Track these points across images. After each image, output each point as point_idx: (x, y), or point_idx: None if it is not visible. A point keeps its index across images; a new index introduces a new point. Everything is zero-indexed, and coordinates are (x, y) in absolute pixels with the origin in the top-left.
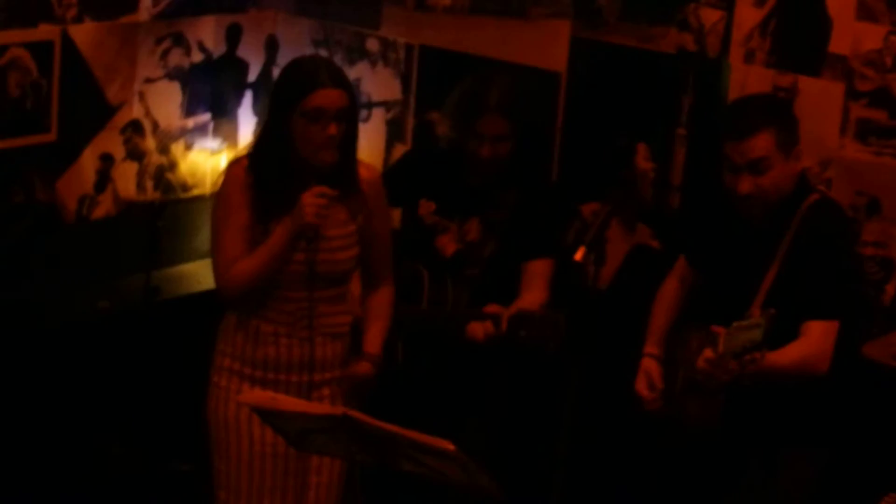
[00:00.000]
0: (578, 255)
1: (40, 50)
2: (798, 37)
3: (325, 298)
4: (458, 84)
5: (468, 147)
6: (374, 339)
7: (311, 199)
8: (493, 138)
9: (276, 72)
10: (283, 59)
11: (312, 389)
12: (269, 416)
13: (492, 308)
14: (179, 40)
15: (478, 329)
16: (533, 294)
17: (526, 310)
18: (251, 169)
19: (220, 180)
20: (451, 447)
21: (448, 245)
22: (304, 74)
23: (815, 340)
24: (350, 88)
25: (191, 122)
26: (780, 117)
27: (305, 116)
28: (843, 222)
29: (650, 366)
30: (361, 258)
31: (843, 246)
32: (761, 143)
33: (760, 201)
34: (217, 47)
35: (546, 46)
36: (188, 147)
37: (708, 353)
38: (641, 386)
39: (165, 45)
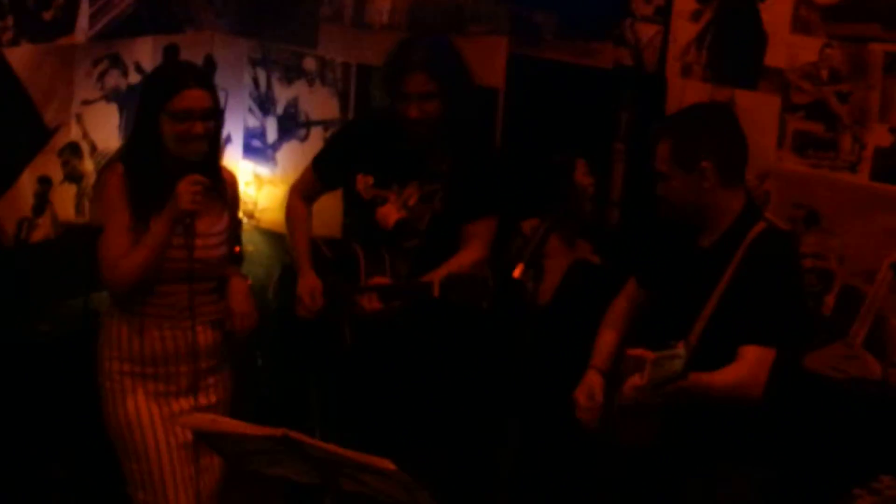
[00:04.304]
0: (517, 272)
1: None
2: (734, 50)
3: (202, 291)
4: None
5: (398, 110)
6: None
7: (187, 187)
8: (420, 97)
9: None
10: (222, 79)
11: (199, 378)
12: (209, 438)
13: (376, 280)
14: (116, 62)
15: (364, 302)
16: (467, 254)
17: (455, 273)
18: (126, 172)
19: (98, 186)
20: (391, 466)
21: (389, 215)
22: (169, 77)
23: (748, 365)
24: (214, 89)
25: None
26: (678, 130)
27: (173, 117)
28: (789, 252)
29: (593, 378)
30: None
31: (785, 275)
32: (658, 154)
33: (668, 207)
34: None
35: (484, 63)
36: None
37: (635, 379)
38: (581, 394)
39: (102, 66)
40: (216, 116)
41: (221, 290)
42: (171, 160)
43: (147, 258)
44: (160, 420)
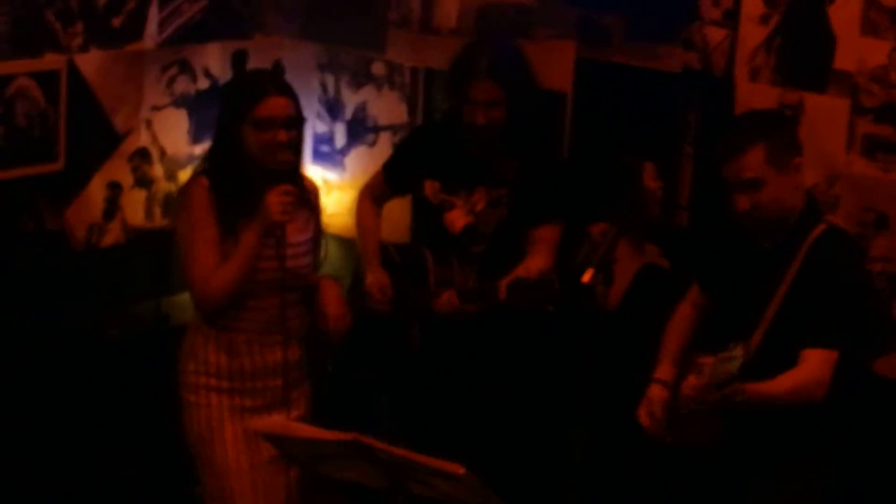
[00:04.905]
0: (587, 277)
1: (47, 79)
2: (803, 54)
3: (291, 303)
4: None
5: (464, 115)
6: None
7: (277, 198)
8: (487, 104)
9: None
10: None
11: (285, 393)
12: (281, 443)
13: (451, 290)
14: (185, 67)
15: (442, 303)
16: (535, 259)
17: (521, 277)
18: (211, 185)
19: (182, 200)
20: (460, 470)
21: (457, 220)
22: (251, 85)
23: (811, 369)
24: (297, 98)
25: (198, 149)
26: (767, 132)
27: (256, 125)
28: (851, 254)
29: (655, 393)
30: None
31: (848, 277)
32: (751, 162)
33: (758, 218)
34: (223, 74)
35: (552, 67)
36: None
37: (692, 380)
38: (642, 414)
39: (171, 72)
40: (299, 125)
41: (307, 302)
42: (256, 170)
43: (238, 271)
44: (244, 437)
